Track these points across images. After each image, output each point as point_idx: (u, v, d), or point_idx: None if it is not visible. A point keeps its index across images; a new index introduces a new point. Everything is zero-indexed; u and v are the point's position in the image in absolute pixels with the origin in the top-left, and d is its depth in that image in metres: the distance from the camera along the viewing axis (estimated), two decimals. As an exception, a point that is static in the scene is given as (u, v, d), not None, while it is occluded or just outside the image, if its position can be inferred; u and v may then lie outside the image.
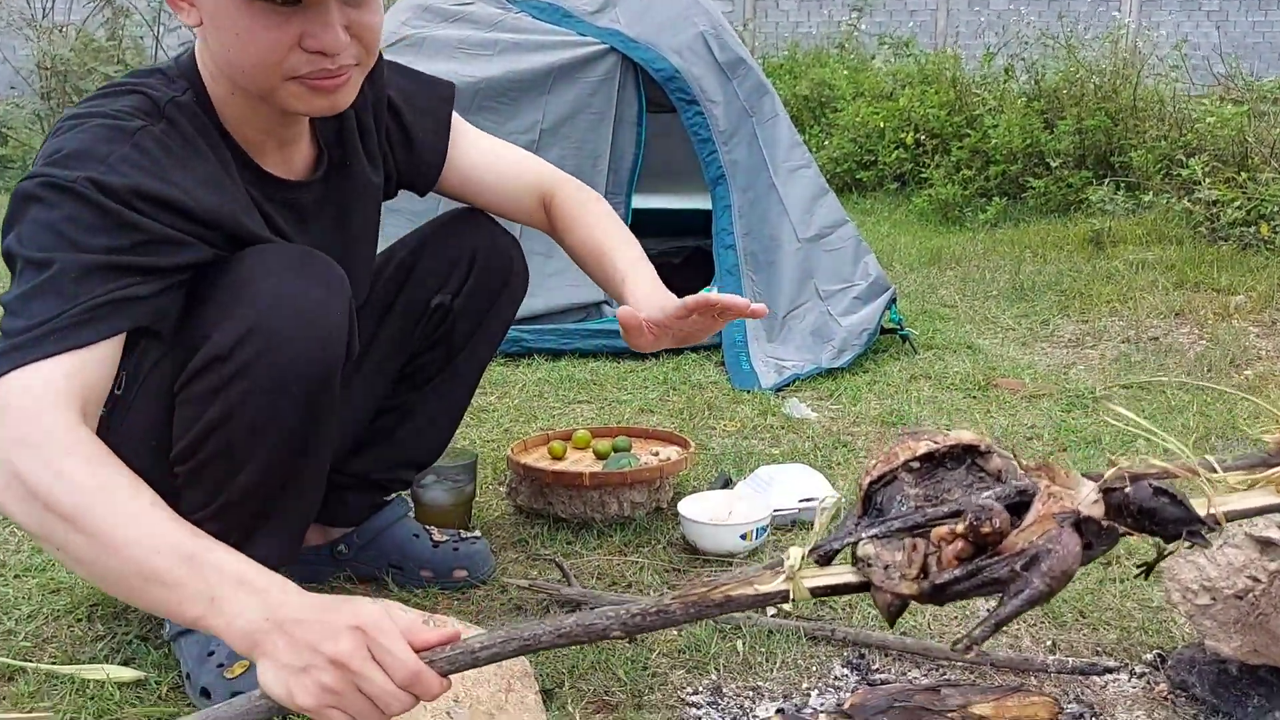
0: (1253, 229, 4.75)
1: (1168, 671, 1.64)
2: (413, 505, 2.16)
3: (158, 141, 1.35)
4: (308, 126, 1.58)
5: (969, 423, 2.88)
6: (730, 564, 2.05)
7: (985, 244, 5.52)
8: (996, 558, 0.98)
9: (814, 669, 1.71)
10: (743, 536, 2.06)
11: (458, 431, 2.06)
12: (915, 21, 10.91)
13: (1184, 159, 5.44)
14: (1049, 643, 1.77)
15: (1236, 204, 4.84)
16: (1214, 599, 1.47)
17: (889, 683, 1.65)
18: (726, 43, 3.77)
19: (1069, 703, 1.59)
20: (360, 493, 1.95)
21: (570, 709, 1.59)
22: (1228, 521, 1.08)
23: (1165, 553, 1.07)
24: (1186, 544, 1.05)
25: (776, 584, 1.07)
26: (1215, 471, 1.10)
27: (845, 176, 7.30)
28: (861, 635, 1.76)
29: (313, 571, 1.95)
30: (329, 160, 1.61)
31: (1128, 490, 1.02)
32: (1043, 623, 1.84)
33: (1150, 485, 1.01)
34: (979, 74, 7.44)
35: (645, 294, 1.57)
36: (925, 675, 1.69)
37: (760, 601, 1.09)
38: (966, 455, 1.09)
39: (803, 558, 1.07)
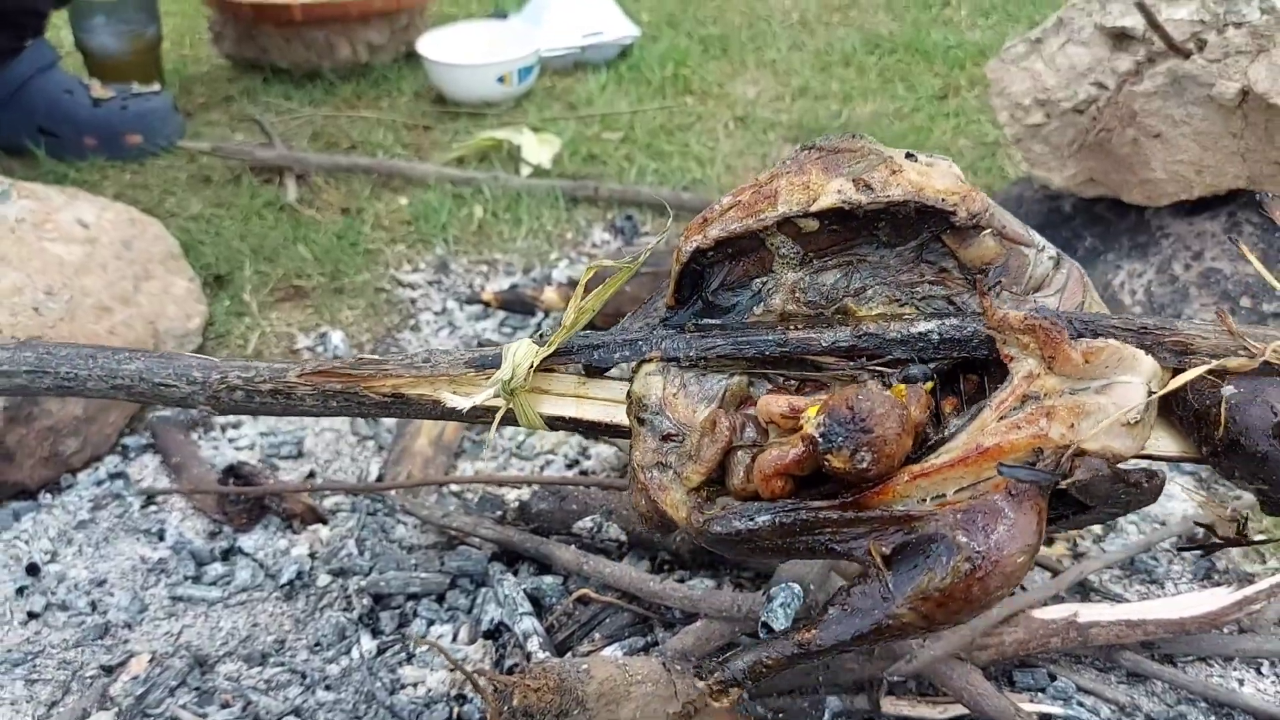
0: None
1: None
2: (80, 56, 1.66)
3: None
4: None
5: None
6: (486, 116, 1.65)
7: None
8: (853, 513, 0.51)
9: (568, 235, 1.37)
10: (500, 79, 1.64)
11: None
12: None
13: None
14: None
15: None
16: (1048, 115, 1.14)
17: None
18: None
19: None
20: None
21: (247, 298, 1.24)
22: None
23: (1246, 541, 0.55)
24: None
25: (490, 395, 0.59)
26: None
27: None
28: (630, 193, 1.41)
29: (-68, 145, 1.49)
30: None
31: (1232, 400, 0.49)
32: (855, 167, 1.51)
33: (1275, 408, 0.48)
34: None
35: None
36: (704, 235, 1.37)
37: (452, 415, 0.62)
38: (922, 223, 0.55)
39: (536, 362, 0.59)
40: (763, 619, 0.68)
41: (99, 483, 0.99)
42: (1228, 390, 0.50)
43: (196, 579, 0.88)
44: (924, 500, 0.50)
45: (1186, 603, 0.81)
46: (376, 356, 0.64)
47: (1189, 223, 1.13)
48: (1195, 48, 1.02)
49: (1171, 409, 0.53)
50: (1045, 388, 0.51)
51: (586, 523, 0.86)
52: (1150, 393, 0.49)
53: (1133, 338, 0.52)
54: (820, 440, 0.49)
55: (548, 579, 0.84)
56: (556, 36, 1.77)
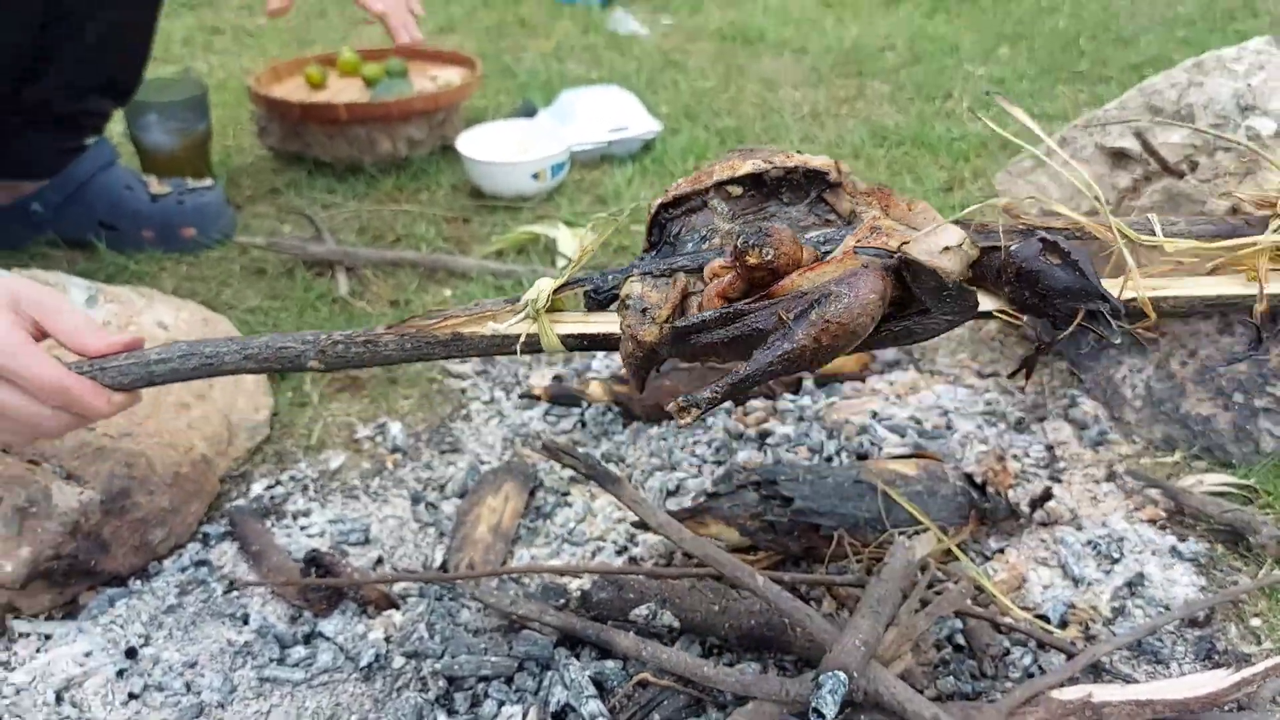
0: None
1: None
2: (135, 156, 1.77)
3: None
4: None
5: (818, 34, 2.52)
6: (522, 210, 1.75)
7: None
8: (767, 301, 0.69)
9: (603, 325, 1.46)
10: (534, 176, 1.74)
11: (210, 62, 1.65)
12: None
13: None
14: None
15: None
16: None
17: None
18: None
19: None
20: (45, 131, 1.55)
21: (308, 389, 1.33)
22: (1161, 316, 0.72)
23: (1050, 342, 0.72)
24: (1090, 334, 0.69)
25: (517, 322, 0.79)
26: (1154, 234, 0.72)
27: None
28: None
29: (1, 236, 1.59)
30: None
31: (1013, 246, 0.68)
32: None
33: (1040, 239, 0.68)
34: None
35: None
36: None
37: (497, 347, 0.81)
38: (810, 186, 0.79)
39: (551, 293, 0.79)
40: (813, 705, 0.76)
41: (183, 569, 1.06)
42: (1012, 246, 0.68)
43: (281, 661, 0.96)
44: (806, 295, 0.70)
45: (1190, 683, 0.89)
46: (440, 309, 0.84)
47: (1184, 322, 1.23)
48: (1188, 168, 1.13)
49: (986, 280, 0.71)
50: (884, 224, 0.72)
51: (642, 610, 0.94)
52: (960, 240, 0.68)
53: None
54: (740, 244, 0.69)
55: (609, 663, 0.91)
56: (584, 132, 1.88)
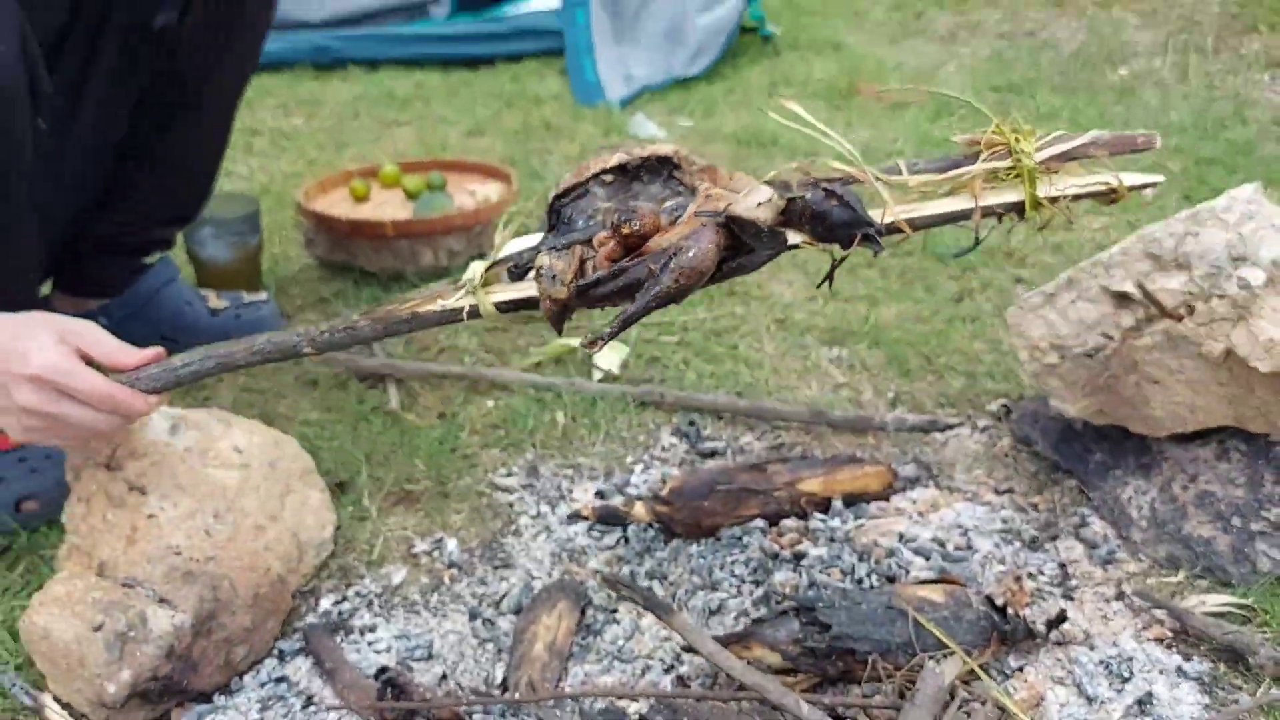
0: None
1: (1011, 425, 1.55)
2: (190, 264, 1.87)
3: None
4: None
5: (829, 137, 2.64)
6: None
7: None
8: (639, 259, 0.94)
9: (640, 439, 1.56)
10: (569, 287, 1.84)
11: (250, 165, 1.76)
12: None
13: None
14: (891, 396, 1.66)
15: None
16: (1062, 357, 1.34)
17: (718, 453, 1.52)
18: None
19: (906, 463, 1.49)
20: (113, 257, 1.66)
21: (366, 503, 1.42)
22: (914, 230, 0.98)
23: (839, 260, 1.00)
24: (866, 248, 0.96)
25: (460, 298, 1.03)
26: (901, 175, 1.00)
27: None
28: (691, 399, 1.61)
29: (69, 350, 1.68)
30: None
31: (806, 196, 0.96)
32: (885, 372, 1.71)
33: (823, 188, 0.95)
34: None
35: None
36: (759, 439, 1.56)
37: (447, 318, 1.04)
38: (663, 168, 1.03)
39: (484, 272, 1.03)
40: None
41: (263, 684, 1.15)
42: (806, 195, 0.94)
43: (359, 778, 1.04)
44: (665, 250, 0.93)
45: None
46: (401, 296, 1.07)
47: (1185, 449, 1.32)
48: (1186, 312, 1.23)
49: (792, 223, 0.96)
50: (715, 192, 0.95)
51: (695, 731, 1.02)
52: (770, 196, 0.93)
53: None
54: (615, 220, 0.94)
55: (667, 783, 1.00)
56: (612, 241, 1.99)
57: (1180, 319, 1.23)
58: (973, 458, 1.50)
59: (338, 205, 2.01)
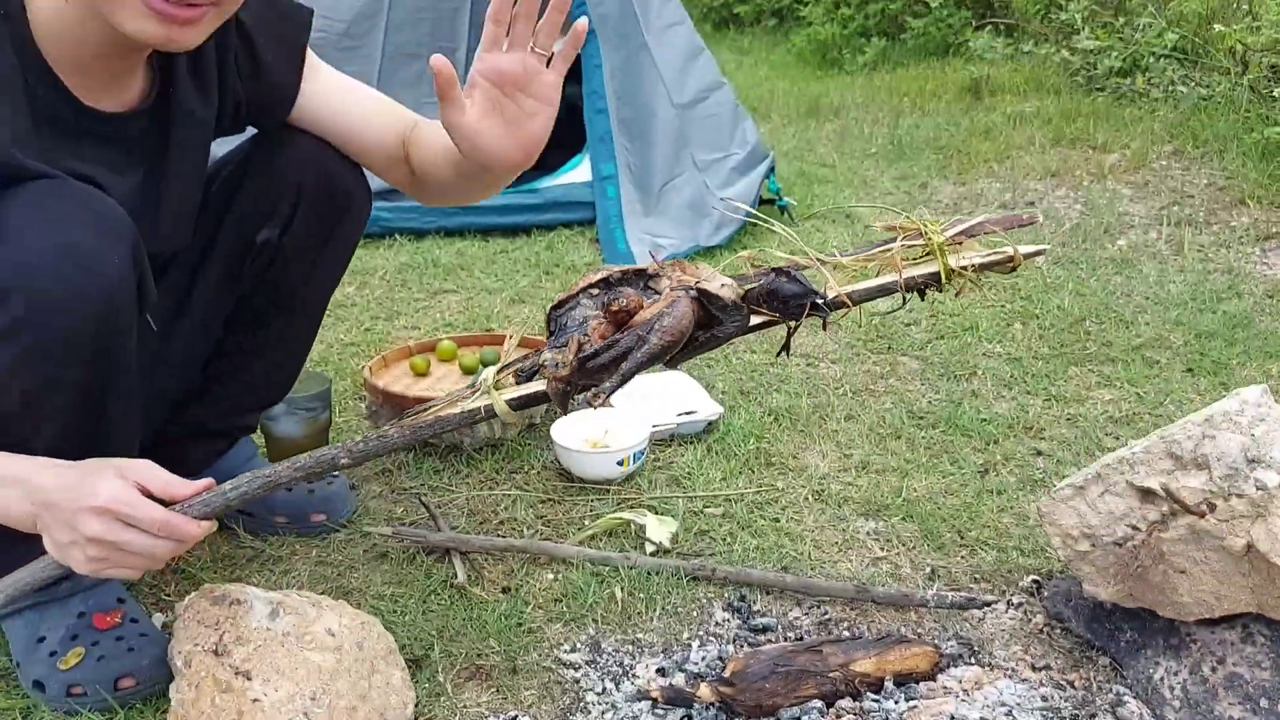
0: (1128, 80, 4.73)
1: (1044, 602, 1.64)
2: (263, 440, 1.99)
3: None
4: (144, 58, 1.38)
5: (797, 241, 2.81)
6: (608, 491, 1.97)
7: (864, 91, 5.40)
8: (628, 330, 1.14)
9: (694, 614, 1.65)
10: (619, 463, 1.97)
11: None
12: None
13: (1063, 2, 5.34)
14: (928, 570, 1.76)
15: (1114, 53, 4.79)
16: (1093, 545, 1.45)
17: (769, 629, 1.61)
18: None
19: (948, 640, 1.58)
20: (200, 441, 1.78)
21: (441, 679, 1.50)
22: (854, 304, 1.24)
23: (793, 328, 1.24)
24: (815, 317, 1.20)
25: (478, 400, 1.20)
26: (836, 257, 1.27)
27: (722, 11, 7.00)
28: (741, 574, 1.71)
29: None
30: (158, 90, 1.41)
31: (761, 281, 1.18)
32: (920, 546, 1.82)
33: (772, 270, 1.17)
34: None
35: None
36: (806, 614, 1.65)
37: (467, 419, 1.21)
38: (639, 278, 1.23)
39: (496, 374, 1.21)
40: None
41: None
42: (762, 281, 1.23)
43: None
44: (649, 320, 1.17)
45: None
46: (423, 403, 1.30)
47: (1212, 631, 1.42)
48: (1208, 509, 1.35)
49: (752, 304, 1.22)
50: (685, 276, 1.19)
51: None
52: (728, 281, 1.19)
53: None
54: (606, 298, 1.17)
55: None
56: (656, 414, 2.12)
57: (1203, 515, 1.35)
58: (1009, 633, 1.59)
59: (399, 380, 2.15)
